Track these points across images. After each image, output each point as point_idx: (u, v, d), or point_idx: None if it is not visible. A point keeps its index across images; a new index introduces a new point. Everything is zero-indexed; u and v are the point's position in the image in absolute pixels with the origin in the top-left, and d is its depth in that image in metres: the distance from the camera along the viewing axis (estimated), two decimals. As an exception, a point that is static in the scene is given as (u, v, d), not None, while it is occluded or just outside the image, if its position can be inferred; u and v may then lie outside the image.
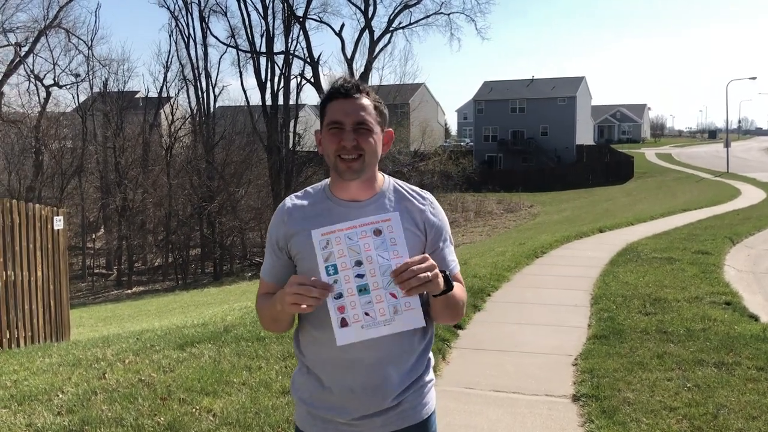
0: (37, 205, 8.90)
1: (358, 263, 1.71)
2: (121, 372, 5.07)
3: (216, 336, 6.13)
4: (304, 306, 1.68)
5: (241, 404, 4.23)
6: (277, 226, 1.93)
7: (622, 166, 52.97)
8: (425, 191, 1.99)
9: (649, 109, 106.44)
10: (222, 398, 4.36)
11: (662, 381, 4.77)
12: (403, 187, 1.96)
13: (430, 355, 1.98)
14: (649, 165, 56.66)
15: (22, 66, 39.49)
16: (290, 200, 1.97)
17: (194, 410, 4.14)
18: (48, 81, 41.81)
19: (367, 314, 1.70)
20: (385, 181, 1.96)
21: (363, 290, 1.70)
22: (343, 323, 1.70)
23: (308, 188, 1.99)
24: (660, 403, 4.37)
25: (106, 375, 4.99)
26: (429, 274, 1.68)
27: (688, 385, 4.66)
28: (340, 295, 1.70)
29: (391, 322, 1.71)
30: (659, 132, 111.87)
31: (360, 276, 1.71)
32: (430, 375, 1.96)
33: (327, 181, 1.97)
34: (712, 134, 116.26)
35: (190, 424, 3.92)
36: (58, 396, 4.51)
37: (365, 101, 1.87)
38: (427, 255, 1.74)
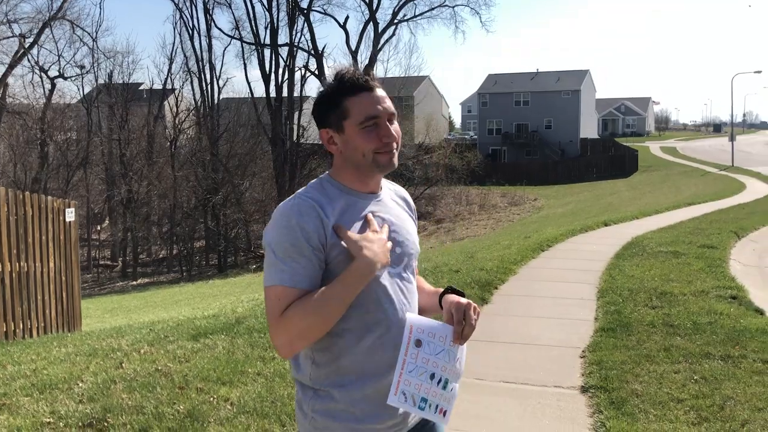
0: (49, 197, 8.99)
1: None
2: (137, 362, 5.17)
3: (228, 327, 6.22)
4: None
5: (257, 393, 4.32)
6: (312, 222, 1.71)
7: (627, 160, 52.94)
8: (396, 184, 2.05)
9: (654, 102, 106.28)
10: (238, 388, 4.45)
11: (669, 373, 4.86)
12: (386, 180, 1.99)
13: None
14: (654, 159, 56.62)
15: (26, 57, 39.63)
16: (308, 197, 1.77)
17: (212, 399, 4.24)
18: (53, 73, 41.99)
19: (424, 399, 1.75)
20: None
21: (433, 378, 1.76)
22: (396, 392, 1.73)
23: (310, 186, 1.84)
24: (667, 394, 4.45)
25: (123, 365, 5.09)
26: (476, 317, 1.80)
27: (695, 378, 4.74)
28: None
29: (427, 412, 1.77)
30: (664, 125, 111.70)
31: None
32: None
33: (325, 176, 1.87)
34: (716, 128, 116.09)
35: (209, 412, 4.02)
36: (78, 385, 4.60)
37: (382, 91, 1.83)
38: (472, 305, 1.80)
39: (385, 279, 1.78)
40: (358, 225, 1.77)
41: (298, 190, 1.83)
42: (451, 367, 1.79)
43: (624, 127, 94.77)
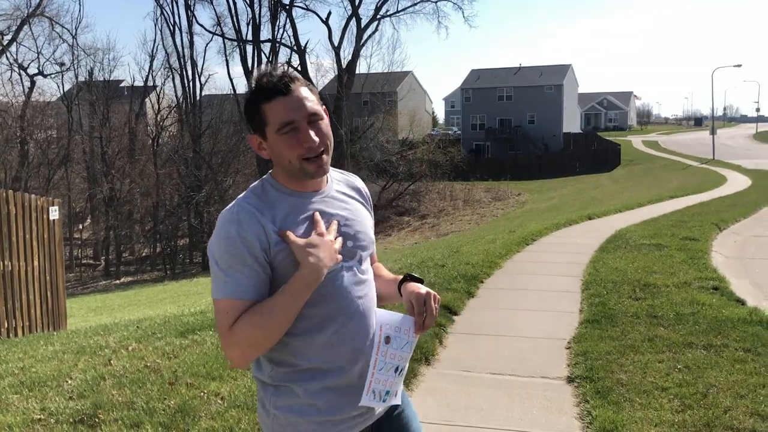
0: (33, 196, 8.94)
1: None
2: (126, 358, 5.17)
3: (215, 323, 6.22)
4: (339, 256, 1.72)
5: (247, 388, 4.34)
6: (252, 231, 1.67)
7: (609, 154, 53.31)
8: (352, 174, 2.01)
9: (636, 97, 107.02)
10: (228, 383, 4.47)
11: (653, 363, 4.94)
12: (339, 172, 1.96)
13: None
14: (636, 152, 57.06)
15: (5, 55, 39.21)
16: (247, 203, 1.72)
17: (202, 394, 4.26)
18: (32, 70, 41.70)
19: (388, 392, 1.81)
20: None
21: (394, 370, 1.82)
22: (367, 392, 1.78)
23: (249, 192, 1.78)
24: (652, 383, 4.52)
25: (112, 361, 5.09)
26: (437, 306, 1.83)
27: (678, 367, 4.82)
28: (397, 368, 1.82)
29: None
30: (646, 119, 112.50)
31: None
32: None
33: (267, 177, 1.83)
34: (698, 122, 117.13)
35: (199, 407, 4.04)
36: (67, 382, 4.60)
37: (303, 90, 1.73)
38: (432, 294, 1.82)
39: (339, 274, 1.76)
40: (303, 227, 1.73)
41: (239, 196, 1.78)
42: (409, 356, 1.83)
43: (606, 121, 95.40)
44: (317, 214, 1.75)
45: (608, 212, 18.05)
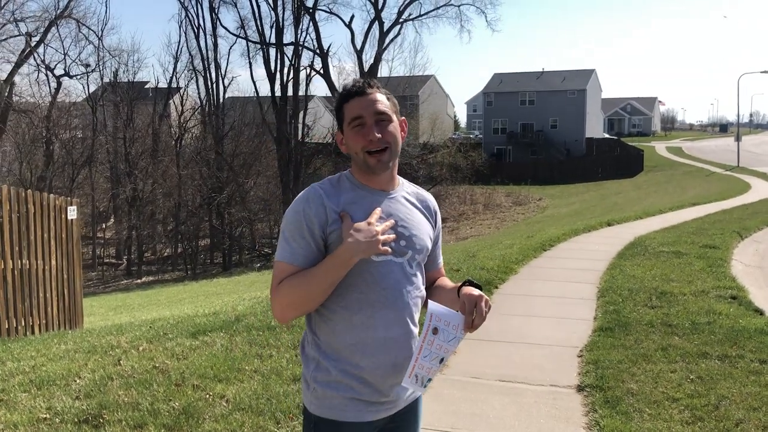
0: (51, 195, 9.03)
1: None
2: (135, 359, 5.19)
3: (227, 325, 6.24)
4: (387, 248, 1.89)
5: (253, 391, 4.34)
6: (314, 209, 1.93)
7: (632, 160, 52.79)
8: (426, 191, 2.19)
9: (660, 102, 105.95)
10: (234, 385, 4.47)
11: (666, 373, 4.86)
12: (413, 186, 2.16)
13: None
14: (659, 159, 56.48)
15: (33, 56, 39.74)
16: (319, 187, 1.99)
17: (208, 396, 4.26)
18: (59, 71, 42.17)
19: (429, 380, 1.91)
20: (399, 177, 2.12)
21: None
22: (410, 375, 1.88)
23: (327, 180, 2.04)
24: (663, 394, 4.45)
25: (122, 361, 5.11)
26: (487, 309, 1.94)
27: (691, 377, 4.75)
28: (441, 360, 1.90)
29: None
30: (670, 125, 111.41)
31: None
32: None
33: (346, 172, 2.05)
34: (723, 128, 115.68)
35: (204, 409, 4.04)
36: (75, 381, 4.63)
37: (378, 95, 1.99)
38: (484, 298, 1.93)
39: (384, 265, 1.94)
40: (361, 216, 1.92)
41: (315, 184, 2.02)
42: (454, 349, 1.92)
43: (630, 126, 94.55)
44: (378, 209, 1.95)
45: (629, 218, 17.87)
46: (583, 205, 35.07)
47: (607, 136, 74.75)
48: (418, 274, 2.04)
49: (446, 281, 2.21)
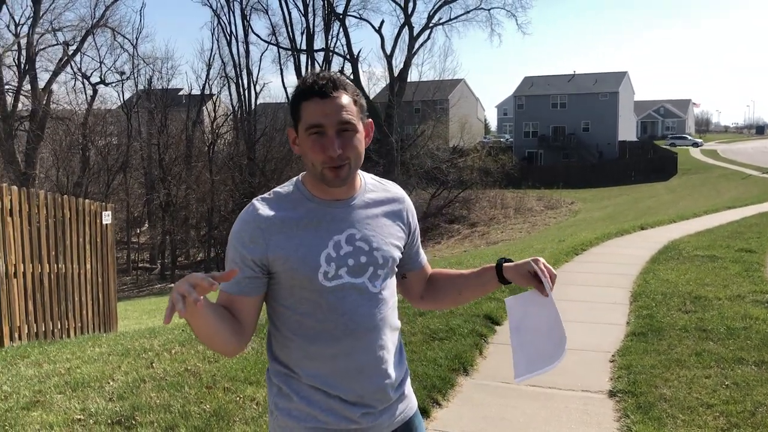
0: (87, 200, 9.21)
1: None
2: (168, 362, 5.26)
3: (258, 328, 6.28)
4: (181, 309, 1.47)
5: (283, 394, 4.36)
6: (251, 237, 1.70)
7: (666, 163, 52.08)
8: (394, 184, 1.96)
9: (695, 104, 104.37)
10: (265, 388, 4.50)
11: (700, 378, 4.78)
12: (377, 182, 1.91)
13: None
14: (694, 161, 55.64)
15: (70, 64, 40.61)
16: (261, 204, 1.75)
17: (238, 398, 4.30)
18: (94, 79, 43.06)
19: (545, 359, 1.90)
20: (360, 175, 1.85)
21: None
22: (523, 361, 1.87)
23: (278, 189, 1.80)
24: (697, 400, 4.38)
25: (154, 364, 5.18)
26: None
27: (726, 383, 4.66)
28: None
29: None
30: (704, 128, 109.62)
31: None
32: (405, 364, 1.95)
33: (298, 178, 1.83)
34: (759, 130, 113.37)
35: (234, 411, 4.08)
36: (109, 383, 4.71)
37: (344, 99, 1.69)
38: (543, 261, 1.85)
39: (338, 290, 1.73)
40: (304, 233, 1.72)
41: (257, 198, 1.80)
42: (555, 317, 1.87)
43: (663, 129, 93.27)
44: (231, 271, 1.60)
45: (662, 222, 17.61)
46: (616, 209, 34.66)
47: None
48: (386, 288, 1.81)
49: (450, 270, 2.06)
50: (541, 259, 1.83)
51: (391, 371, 1.81)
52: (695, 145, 72.90)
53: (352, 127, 1.69)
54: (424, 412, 4.24)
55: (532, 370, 1.84)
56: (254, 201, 1.77)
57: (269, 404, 1.82)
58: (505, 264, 1.89)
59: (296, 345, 1.75)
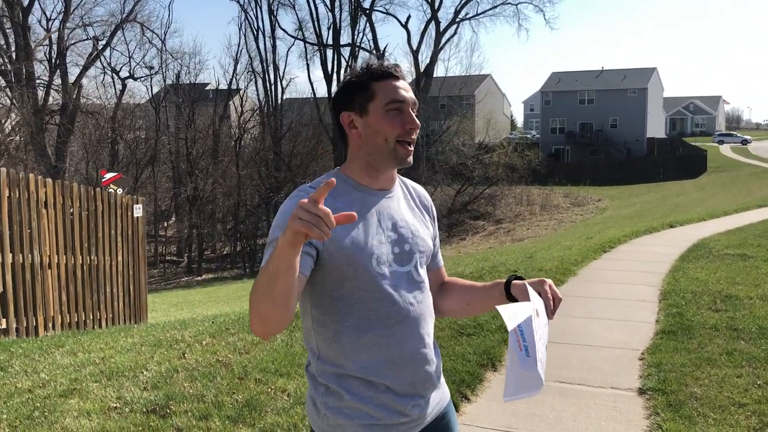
0: (119, 193, 9.35)
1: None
2: (199, 352, 5.34)
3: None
4: (312, 232, 1.35)
5: (313, 386, 4.41)
6: None
7: (695, 160, 51.35)
8: (416, 184, 2.00)
9: (725, 101, 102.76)
10: (295, 379, 4.56)
11: (731, 377, 4.74)
12: (403, 180, 1.96)
13: None
14: (724, 159, 54.82)
15: (99, 59, 41.13)
16: (310, 187, 1.74)
17: (269, 390, 4.36)
18: (124, 73, 43.60)
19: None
20: None
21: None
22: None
23: (318, 179, 1.76)
24: (728, 399, 4.35)
25: (186, 355, 5.27)
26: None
27: (758, 383, 4.62)
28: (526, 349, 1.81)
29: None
30: (735, 125, 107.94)
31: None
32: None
33: (338, 170, 1.83)
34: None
35: (266, 402, 4.13)
36: (142, 373, 4.80)
37: (407, 84, 1.82)
38: (550, 283, 1.83)
39: (389, 277, 1.74)
40: (362, 221, 1.73)
41: (304, 185, 1.78)
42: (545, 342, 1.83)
43: (693, 126, 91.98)
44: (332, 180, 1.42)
45: (691, 220, 17.42)
46: (644, 207, 34.30)
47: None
48: (426, 280, 1.85)
49: (464, 280, 2.06)
50: (549, 281, 1.83)
51: (434, 358, 1.84)
52: (744, 142, 71.29)
53: (417, 107, 1.81)
54: (453, 406, 4.26)
55: (520, 393, 1.78)
56: (303, 186, 1.76)
57: (313, 401, 1.79)
58: (514, 281, 1.89)
59: (346, 336, 1.72)
